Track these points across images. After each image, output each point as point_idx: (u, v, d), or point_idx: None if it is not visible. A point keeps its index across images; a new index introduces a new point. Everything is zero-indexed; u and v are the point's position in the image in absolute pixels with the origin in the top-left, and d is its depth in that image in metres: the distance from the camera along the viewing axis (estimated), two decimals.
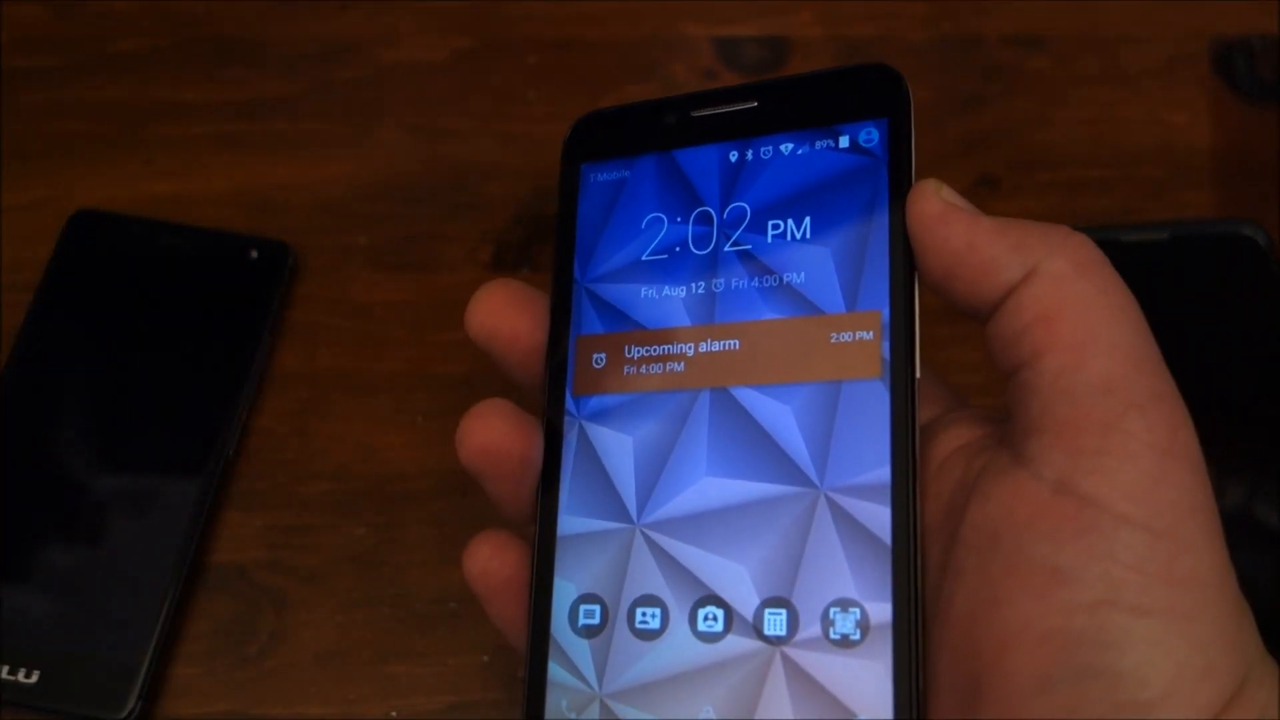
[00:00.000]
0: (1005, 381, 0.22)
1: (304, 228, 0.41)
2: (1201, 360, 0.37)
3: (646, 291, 0.25)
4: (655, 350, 0.24)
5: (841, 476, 0.22)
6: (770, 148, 0.24)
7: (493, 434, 0.25)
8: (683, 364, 0.24)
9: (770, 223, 0.24)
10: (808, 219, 0.24)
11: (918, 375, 0.23)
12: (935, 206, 0.23)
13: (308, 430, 0.38)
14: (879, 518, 0.21)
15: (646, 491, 0.23)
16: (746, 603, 0.22)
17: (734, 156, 0.25)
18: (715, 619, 0.22)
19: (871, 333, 0.23)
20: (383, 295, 0.40)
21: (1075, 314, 0.21)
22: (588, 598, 0.23)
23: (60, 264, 0.40)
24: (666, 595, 0.22)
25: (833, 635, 0.21)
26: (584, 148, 0.26)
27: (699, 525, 0.22)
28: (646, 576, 0.23)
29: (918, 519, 0.22)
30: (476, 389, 0.38)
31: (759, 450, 0.23)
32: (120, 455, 0.37)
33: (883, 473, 0.22)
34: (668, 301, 0.24)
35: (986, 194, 0.42)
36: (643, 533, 0.23)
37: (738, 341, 0.23)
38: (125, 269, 0.40)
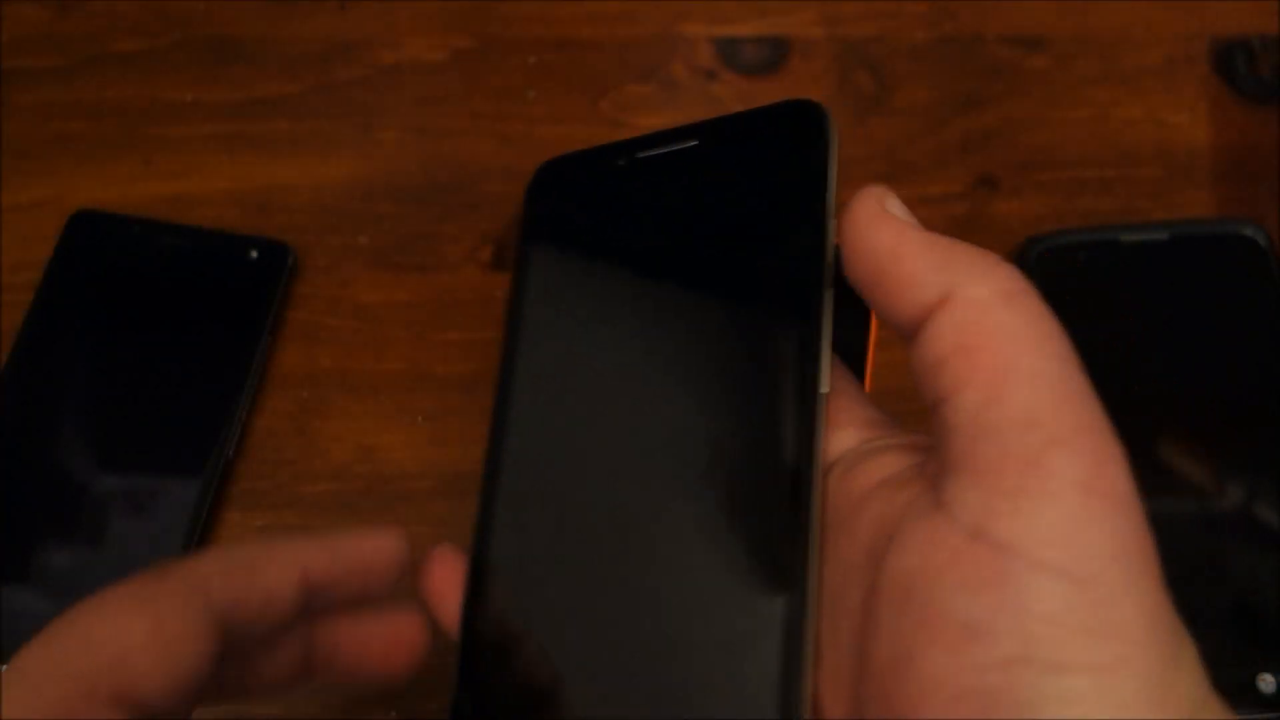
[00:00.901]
0: (930, 416, 0.21)
1: (304, 228, 0.41)
2: (1201, 360, 0.37)
3: None
4: None
5: None
6: (702, 186, 0.25)
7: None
8: None
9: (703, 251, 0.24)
10: (732, 244, 0.24)
11: (824, 390, 0.22)
12: (870, 210, 0.22)
13: (308, 430, 0.38)
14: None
15: None
16: None
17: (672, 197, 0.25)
18: None
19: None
20: (383, 295, 0.40)
21: (996, 345, 0.20)
22: None
23: (60, 264, 0.40)
24: None
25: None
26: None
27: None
28: None
29: (814, 545, 0.21)
30: (476, 389, 0.38)
31: None
32: (120, 455, 0.37)
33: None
34: None
35: (986, 194, 0.42)
36: None
37: None
38: (125, 269, 0.40)
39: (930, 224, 0.44)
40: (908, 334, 0.21)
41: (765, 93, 0.44)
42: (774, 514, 0.21)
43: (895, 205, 0.22)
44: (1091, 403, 0.20)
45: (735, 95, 0.44)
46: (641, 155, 0.25)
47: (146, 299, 0.40)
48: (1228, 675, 0.31)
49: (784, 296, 0.23)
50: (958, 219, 0.41)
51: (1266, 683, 0.31)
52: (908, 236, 0.22)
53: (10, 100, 0.44)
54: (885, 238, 0.22)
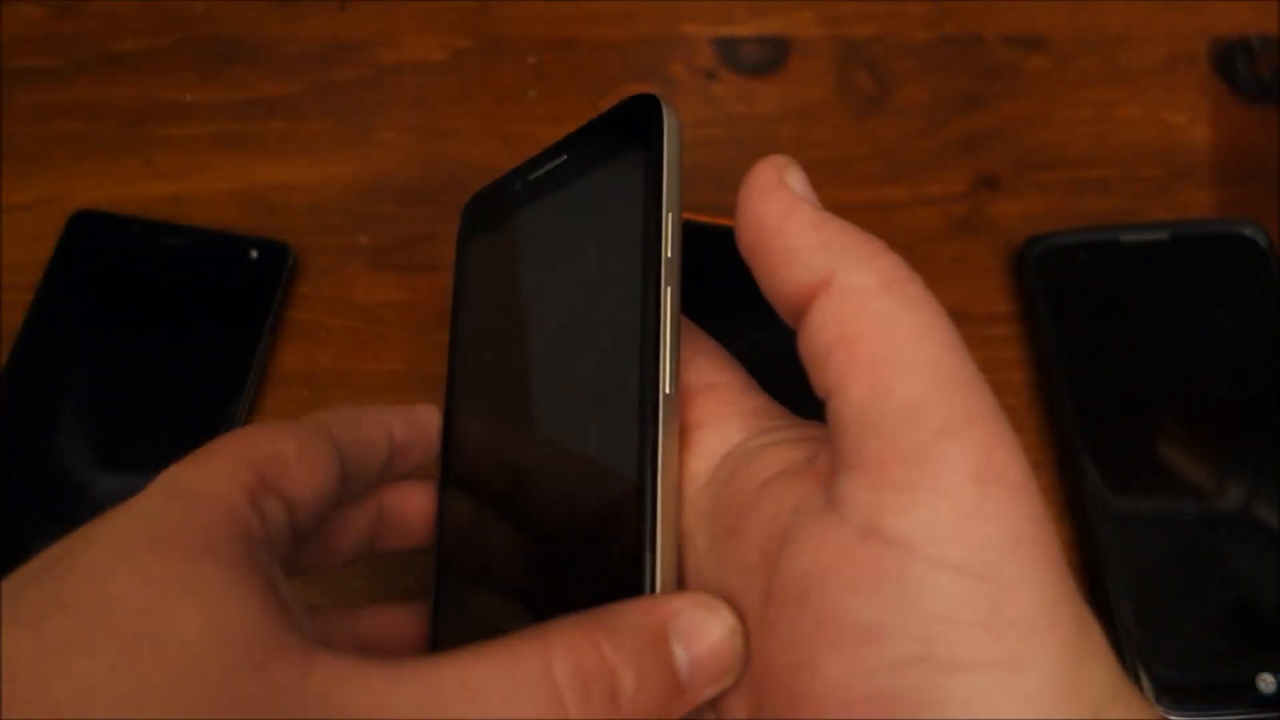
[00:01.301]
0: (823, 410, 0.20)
1: (304, 228, 0.41)
2: (1202, 360, 0.37)
3: None
4: None
5: None
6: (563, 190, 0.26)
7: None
8: None
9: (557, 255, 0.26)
10: (594, 246, 0.25)
11: (667, 391, 0.22)
12: (765, 180, 0.21)
13: None
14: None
15: None
16: None
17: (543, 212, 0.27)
18: None
19: None
20: (383, 295, 0.40)
21: (876, 334, 0.19)
22: None
23: (60, 264, 0.40)
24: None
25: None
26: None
27: None
28: None
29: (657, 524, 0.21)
30: None
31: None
32: (120, 455, 0.37)
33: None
34: None
35: (986, 194, 0.42)
36: None
37: None
38: (125, 269, 0.40)
39: (930, 224, 0.44)
40: (790, 317, 0.21)
41: (765, 93, 0.44)
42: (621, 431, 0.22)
43: (795, 178, 0.21)
44: (979, 389, 0.19)
45: (735, 95, 0.44)
46: (530, 177, 0.28)
47: (146, 299, 0.40)
48: (1228, 675, 0.31)
49: (629, 294, 0.23)
50: (958, 219, 0.41)
51: (1266, 683, 0.31)
52: (796, 211, 0.21)
53: (10, 100, 0.44)
54: (773, 210, 0.21)
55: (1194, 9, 0.45)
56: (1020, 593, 0.17)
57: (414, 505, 0.27)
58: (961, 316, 0.39)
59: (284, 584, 0.20)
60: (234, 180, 0.43)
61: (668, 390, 0.22)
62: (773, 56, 0.45)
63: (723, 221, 0.38)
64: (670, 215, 0.22)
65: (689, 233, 0.24)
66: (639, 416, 0.21)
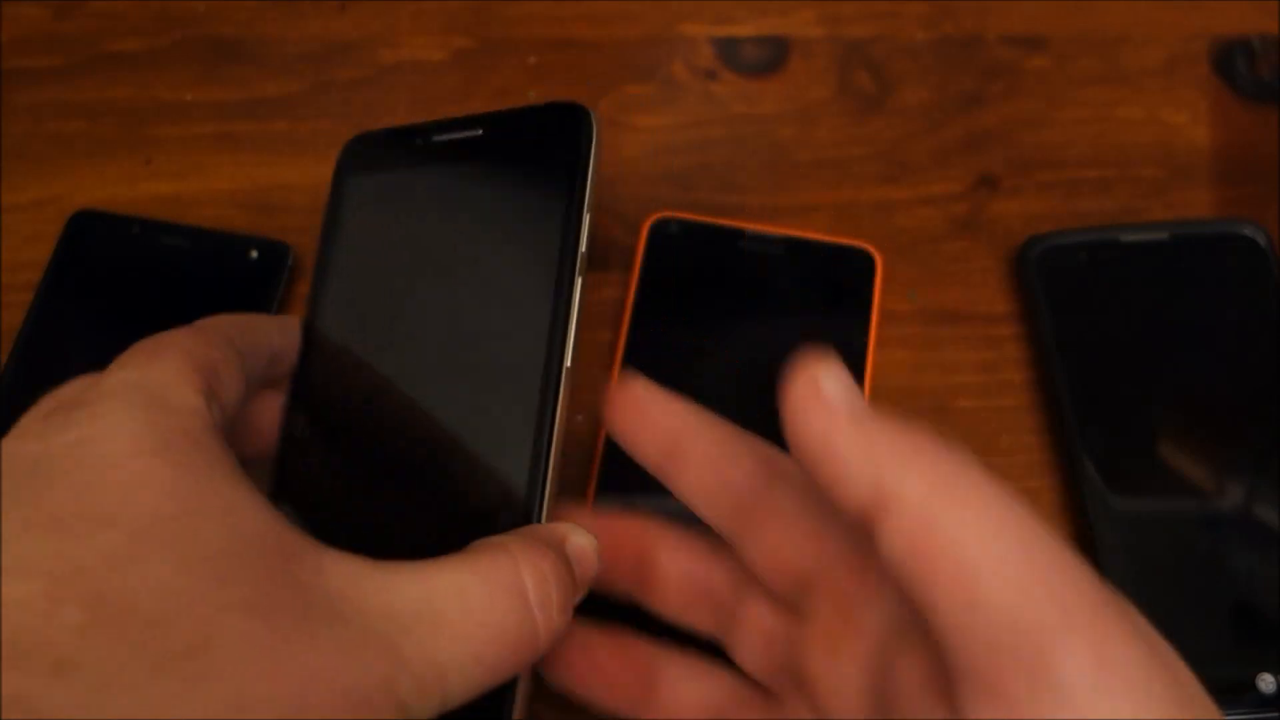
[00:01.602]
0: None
1: (304, 228, 0.41)
2: (1202, 360, 0.37)
3: None
4: None
5: None
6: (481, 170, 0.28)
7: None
8: None
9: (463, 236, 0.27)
10: (494, 217, 0.27)
11: (568, 364, 0.24)
12: (803, 395, 0.22)
13: None
14: None
15: None
16: None
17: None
18: None
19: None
20: None
21: (950, 550, 0.19)
22: None
23: (60, 264, 0.40)
24: None
25: None
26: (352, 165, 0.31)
27: None
28: None
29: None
30: None
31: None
32: None
33: None
34: None
35: (986, 194, 0.42)
36: None
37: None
38: (125, 269, 0.40)
39: (930, 224, 0.44)
40: (861, 524, 0.21)
41: (765, 93, 0.44)
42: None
43: (832, 383, 0.21)
44: (1073, 570, 0.19)
45: (735, 95, 0.44)
46: (435, 139, 0.29)
47: (146, 299, 0.40)
48: (1228, 675, 0.31)
49: (541, 277, 0.25)
50: (958, 219, 0.41)
51: (1266, 683, 0.31)
52: (836, 425, 0.21)
53: (10, 100, 0.44)
54: (815, 429, 0.21)
55: (1194, 9, 0.45)
56: None
57: (270, 416, 0.28)
58: (961, 316, 0.39)
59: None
60: (234, 180, 0.43)
61: (569, 364, 0.24)
62: (773, 56, 0.45)
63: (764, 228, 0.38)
64: (588, 216, 0.25)
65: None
66: (543, 384, 0.24)
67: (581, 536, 0.24)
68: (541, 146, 0.26)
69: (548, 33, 0.45)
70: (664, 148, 0.43)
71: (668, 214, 0.40)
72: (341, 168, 0.31)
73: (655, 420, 0.27)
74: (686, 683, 0.27)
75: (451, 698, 0.21)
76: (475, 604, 0.21)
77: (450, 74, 0.45)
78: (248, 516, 0.20)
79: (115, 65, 0.45)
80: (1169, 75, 0.44)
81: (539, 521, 0.24)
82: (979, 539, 0.19)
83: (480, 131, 0.28)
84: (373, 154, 0.31)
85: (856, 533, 0.22)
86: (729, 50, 0.45)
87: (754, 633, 0.27)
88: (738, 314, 0.38)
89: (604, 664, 0.28)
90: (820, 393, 0.21)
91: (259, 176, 0.43)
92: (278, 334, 0.28)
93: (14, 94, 0.44)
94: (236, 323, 0.26)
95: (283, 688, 0.18)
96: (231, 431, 0.25)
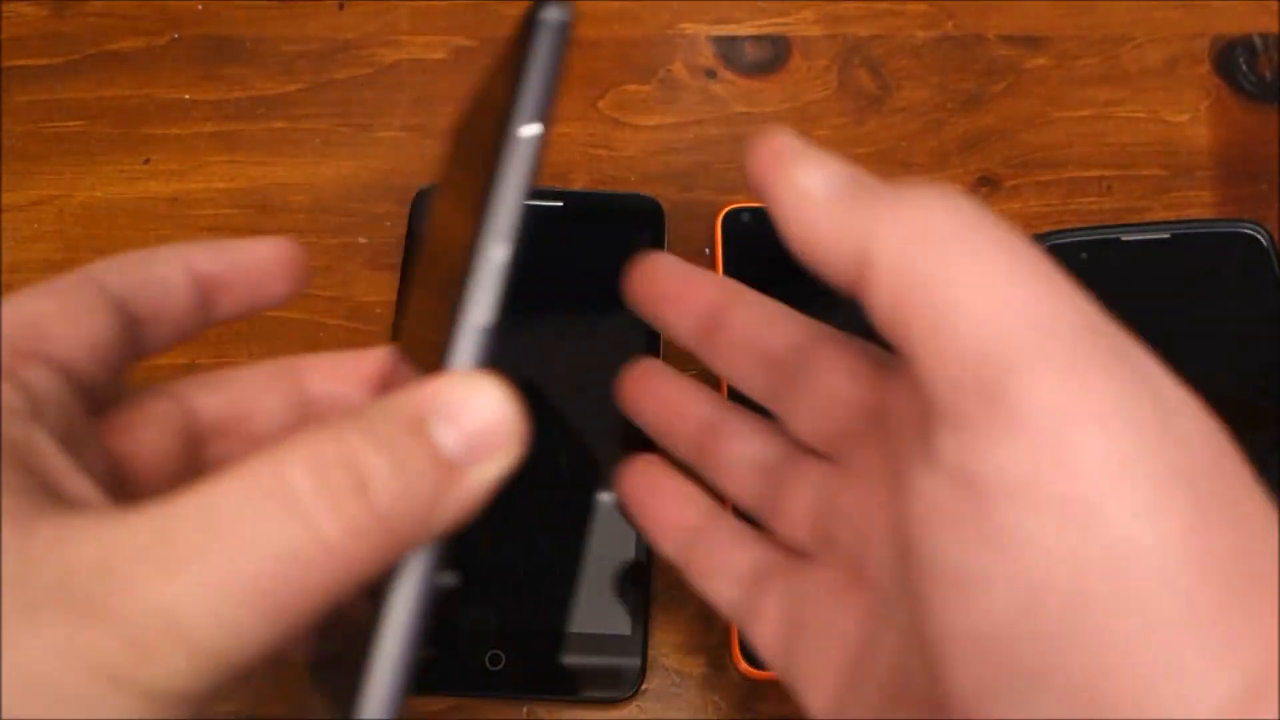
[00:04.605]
0: None
1: (304, 228, 0.41)
2: (1203, 360, 0.37)
3: None
4: None
5: None
6: None
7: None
8: None
9: None
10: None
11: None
12: (776, 184, 0.21)
13: None
14: None
15: None
16: None
17: None
18: None
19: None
20: (383, 295, 0.40)
21: (923, 286, 0.18)
22: None
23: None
24: None
25: None
26: None
27: None
28: None
29: None
30: None
31: None
32: None
33: None
34: None
35: (986, 194, 0.42)
36: None
37: None
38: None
39: None
40: (851, 294, 0.20)
41: (765, 92, 0.44)
42: None
43: (804, 169, 0.20)
44: (1051, 307, 0.18)
45: (735, 95, 0.44)
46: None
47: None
48: None
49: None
50: None
51: None
52: (813, 209, 0.20)
53: (10, 100, 0.44)
54: (795, 218, 0.20)
55: (1194, 9, 0.45)
56: (1132, 521, 0.16)
57: (234, 274, 0.25)
58: None
59: (50, 448, 0.19)
60: (233, 180, 0.43)
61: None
62: (773, 56, 0.45)
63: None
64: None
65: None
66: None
67: (465, 389, 0.18)
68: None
69: None
70: (664, 147, 0.43)
71: (739, 204, 0.40)
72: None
73: (691, 294, 0.26)
74: (744, 439, 0.26)
75: (213, 647, 0.16)
76: (221, 523, 0.16)
77: (450, 74, 0.45)
78: None
79: (114, 65, 0.45)
80: (1169, 75, 0.44)
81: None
82: (957, 273, 0.18)
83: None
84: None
85: (898, 382, 0.22)
86: (729, 49, 0.45)
87: (795, 493, 0.26)
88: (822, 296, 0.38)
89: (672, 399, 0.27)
90: (793, 182, 0.20)
91: (258, 176, 0.43)
92: (206, 260, 0.24)
93: (13, 94, 0.44)
94: (118, 261, 0.23)
95: None
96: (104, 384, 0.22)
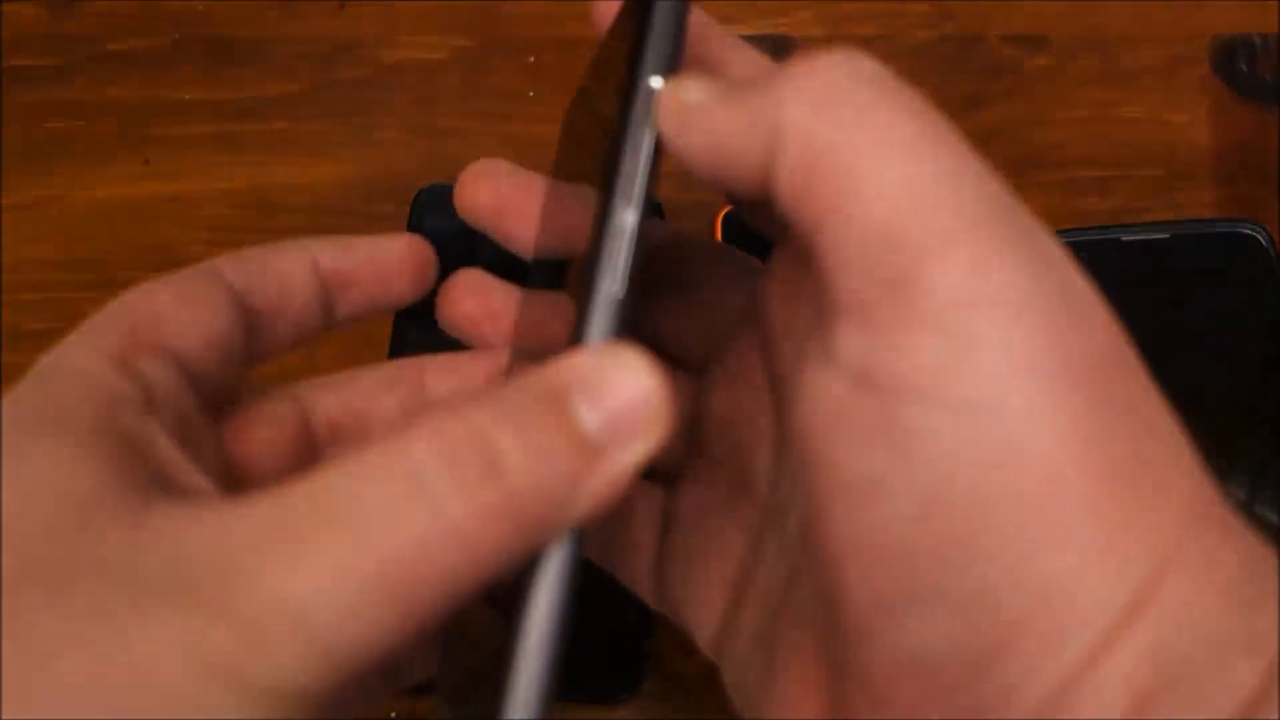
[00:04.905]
0: None
1: (304, 228, 0.41)
2: (1201, 360, 0.37)
3: None
4: None
5: None
6: None
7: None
8: None
9: None
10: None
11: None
12: (672, 116, 0.19)
13: None
14: None
15: None
16: None
17: None
18: None
19: None
20: None
21: (830, 169, 0.17)
22: None
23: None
24: None
25: None
26: None
27: None
28: None
29: None
30: None
31: None
32: None
33: None
34: None
35: None
36: None
37: None
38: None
39: None
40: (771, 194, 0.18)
41: None
42: None
43: (693, 90, 0.19)
44: (969, 192, 0.17)
45: None
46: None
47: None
48: None
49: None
50: None
51: None
52: (715, 118, 0.18)
53: (10, 100, 0.44)
54: (699, 132, 0.18)
55: (1194, 9, 0.45)
56: (1034, 421, 0.15)
57: (360, 272, 0.25)
58: None
59: (163, 440, 0.19)
60: (233, 180, 0.43)
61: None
62: (773, 56, 0.44)
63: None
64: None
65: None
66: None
67: (608, 365, 0.17)
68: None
69: (548, 33, 0.45)
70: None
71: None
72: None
73: (532, 200, 0.24)
74: None
75: (335, 639, 0.15)
76: (341, 507, 0.15)
77: (450, 74, 0.45)
78: (55, 479, 0.17)
79: (115, 65, 0.45)
80: (1169, 75, 0.44)
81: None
82: (862, 141, 0.17)
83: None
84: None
85: (776, 285, 0.21)
86: None
87: (672, 312, 0.25)
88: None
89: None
90: (686, 107, 0.19)
91: (259, 176, 0.43)
92: (329, 257, 0.23)
93: (14, 94, 0.44)
94: (241, 255, 0.23)
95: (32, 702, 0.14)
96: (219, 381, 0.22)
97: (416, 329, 0.38)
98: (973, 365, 0.15)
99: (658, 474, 0.25)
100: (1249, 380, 0.36)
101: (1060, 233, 0.39)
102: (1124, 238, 0.39)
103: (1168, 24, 0.45)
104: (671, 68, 0.20)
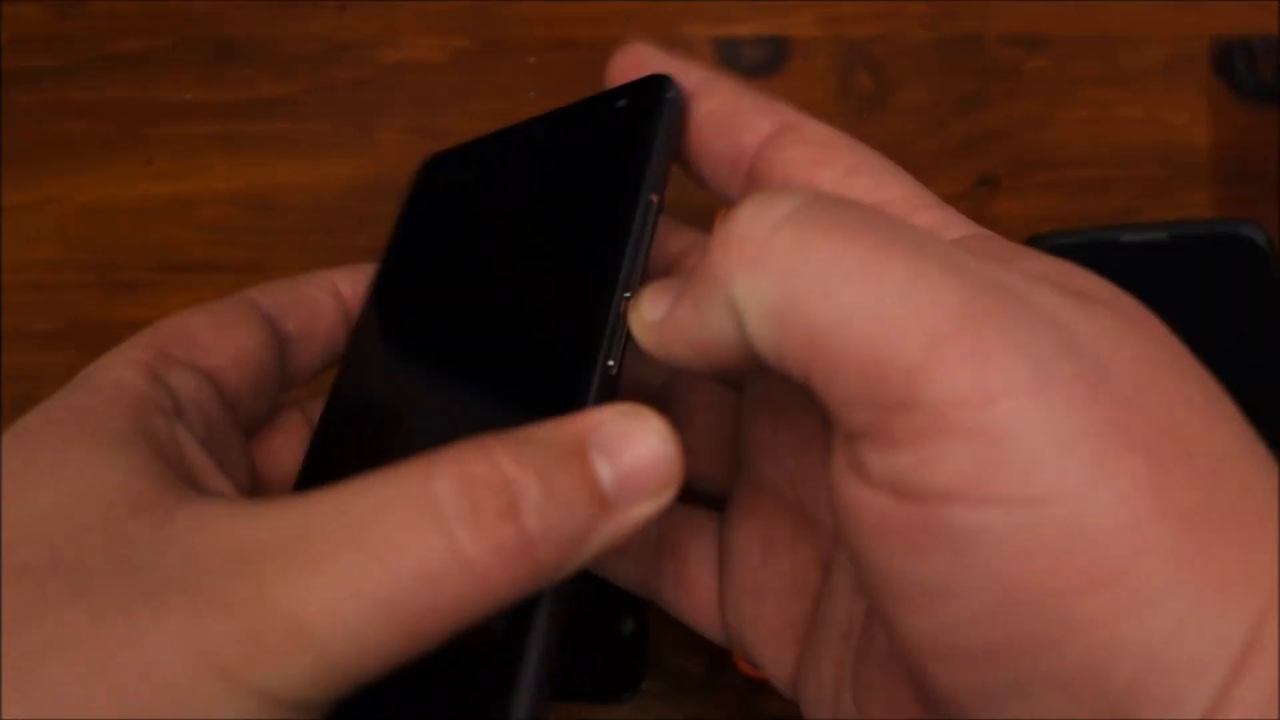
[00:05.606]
0: None
1: (304, 227, 0.41)
2: (1201, 360, 0.37)
3: None
4: None
5: None
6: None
7: None
8: None
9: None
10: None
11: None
12: (649, 339, 0.20)
13: None
14: None
15: None
16: None
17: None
18: None
19: None
20: None
21: (795, 326, 0.17)
22: None
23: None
24: None
25: None
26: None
27: None
28: None
29: None
30: None
31: None
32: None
33: None
34: None
35: (987, 194, 0.42)
36: None
37: None
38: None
39: None
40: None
41: (766, 93, 0.44)
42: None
43: (651, 311, 0.19)
44: (929, 289, 0.16)
45: None
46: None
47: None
48: None
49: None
50: None
51: None
52: (682, 330, 0.19)
53: (10, 100, 0.44)
54: (679, 351, 0.19)
55: (1194, 9, 0.45)
56: (1092, 500, 0.15)
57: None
58: None
59: (192, 445, 0.20)
60: (234, 180, 0.43)
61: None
62: (773, 56, 0.45)
63: None
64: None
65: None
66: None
67: (628, 423, 0.18)
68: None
69: (548, 33, 0.45)
70: None
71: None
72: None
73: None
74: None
75: (337, 655, 0.15)
76: (361, 526, 0.16)
77: (450, 74, 0.45)
78: (87, 481, 0.17)
79: (116, 65, 0.45)
80: (1169, 75, 0.44)
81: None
82: (817, 300, 0.16)
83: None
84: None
85: None
86: (729, 50, 0.45)
87: (693, 420, 0.24)
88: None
89: None
90: (656, 325, 0.19)
91: (259, 176, 0.43)
92: (347, 282, 0.26)
93: (14, 94, 0.44)
94: (272, 285, 0.25)
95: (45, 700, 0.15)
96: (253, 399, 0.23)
97: None
98: (1010, 461, 0.15)
99: (702, 495, 0.24)
100: (1249, 381, 0.36)
101: (1060, 233, 0.39)
102: (1124, 238, 0.39)
103: (1168, 24, 0.45)
104: (663, 187, 0.23)
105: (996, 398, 0.15)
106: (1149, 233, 0.39)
